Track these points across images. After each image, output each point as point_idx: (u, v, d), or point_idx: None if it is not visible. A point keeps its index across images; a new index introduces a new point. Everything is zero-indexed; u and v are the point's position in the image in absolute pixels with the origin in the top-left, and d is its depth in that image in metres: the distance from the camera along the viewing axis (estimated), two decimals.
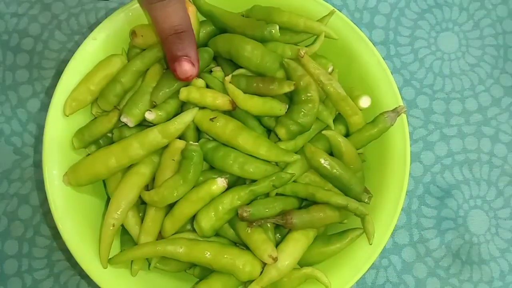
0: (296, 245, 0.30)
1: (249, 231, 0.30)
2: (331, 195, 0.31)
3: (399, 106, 0.32)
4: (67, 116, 0.32)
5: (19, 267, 0.37)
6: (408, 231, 0.39)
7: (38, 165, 0.39)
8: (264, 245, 0.30)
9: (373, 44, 0.34)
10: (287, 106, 0.32)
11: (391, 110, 0.32)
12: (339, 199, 0.30)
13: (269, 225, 0.31)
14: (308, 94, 0.31)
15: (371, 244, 0.31)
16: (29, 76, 0.41)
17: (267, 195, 0.32)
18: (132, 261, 0.31)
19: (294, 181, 0.32)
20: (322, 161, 0.31)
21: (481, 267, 0.38)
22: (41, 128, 0.40)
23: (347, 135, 0.33)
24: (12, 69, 0.41)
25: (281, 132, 0.31)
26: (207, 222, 0.30)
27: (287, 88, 0.31)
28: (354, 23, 0.34)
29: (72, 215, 0.31)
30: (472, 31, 0.43)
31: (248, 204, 0.30)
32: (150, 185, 0.32)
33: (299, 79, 0.31)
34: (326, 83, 0.31)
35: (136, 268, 0.31)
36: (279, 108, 0.31)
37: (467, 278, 0.38)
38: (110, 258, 0.30)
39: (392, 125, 0.32)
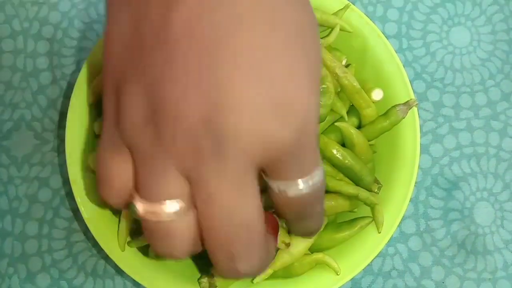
0: None
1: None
2: (343, 185, 0.32)
3: (411, 99, 0.33)
4: (90, 104, 0.33)
5: (39, 247, 0.39)
6: (415, 221, 0.40)
7: (58, 150, 0.41)
8: None
9: (386, 37, 0.35)
10: None
11: (402, 103, 0.33)
12: (350, 189, 0.32)
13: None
14: (323, 86, 0.32)
15: (379, 233, 0.32)
16: (49, 63, 0.42)
17: None
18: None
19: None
20: (335, 151, 0.32)
21: (485, 258, 0.39)
22: (61, 114, 0.41)
23: (359, 126, 0.34)
24: (32, 56, 0.42)
25: None
26: None
27: None
28: (368, 16, 0.35)
29: (93, 197, 0.32)
30: (484, 26, 0.43)
31: None
32: None
33: None
34: (342, 75, 0.32)
35: None
36: None
37: (471, 267, 0.39)
38: (128, 241, 0.32)
39: (404, 118, 0.33)
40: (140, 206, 0.19)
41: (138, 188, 0.19)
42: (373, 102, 0.34)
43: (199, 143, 0.17)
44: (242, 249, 0.18)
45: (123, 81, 0.18)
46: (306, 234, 0.23)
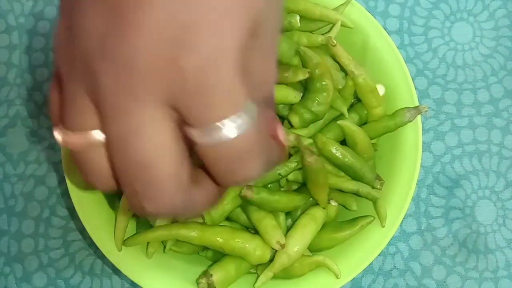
0: (304, 231, 0.31)
1: None
2: (343, 181, 0.31)
3: (422, 105, 0.32)
4: None
5: (36, 246, 0.38)
6: (416, 220, 0.39)
7: (54, 147, 0.40)
8: (273, 231, 0.30)
9: (387, 33, 0.34)
10: (302, 94, 0.32)
11: (413, 107, 0.32)
12: (351, 185, 0.31)
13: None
14: (323, 83, 0.31)
15: (383, 227, 0.31)
16: (44, 59, 0.42)
17: (278, 183, 0.32)
18: (147, 243, 0.32)
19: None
20: (334, 150, 0.31)
21: (487, 257, 0.39)
22: None
23: (359, 123, 0.34)
24: (28, 52, 0.42)
25: (295, 119, 0.32)
26: (215, 209, 0.31)
27: (302, 76, 0.31)
28: (369, 12, 0.34)
29: (89, 196, 0.32)
30: (487, 21, 0.43)
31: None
32: None
33: (315, 67, 0.32)
34: (357, 73, 0.32)
35: (152, 250, 0.32)
36: (293, 95, 0.32)
37: (473, 266, 0.39)
38: (125, 240, 0.31)
39: (410, 121, 0.32)
40: (60, 135, 0.18)
41: (61, 116, 0.18)
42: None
43: (96, 69, 0.17)
44: (143, 188, 0.17)
45: (60, 12, 0.18)
46: (233, 184, 0.20)
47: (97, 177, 0.19)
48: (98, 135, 0.18)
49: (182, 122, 0.17)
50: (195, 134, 0.17)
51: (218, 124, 0.17)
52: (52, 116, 0.19)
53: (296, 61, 0.33)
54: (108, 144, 0.18)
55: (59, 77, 0.18)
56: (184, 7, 0.16)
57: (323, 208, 0.32)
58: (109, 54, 0.16)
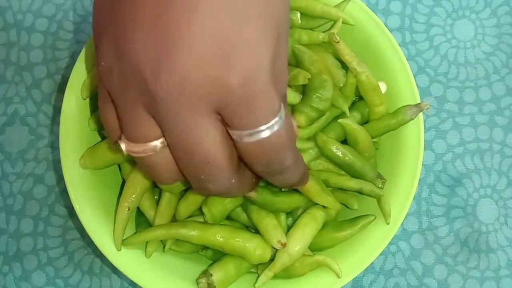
0: (305, 230, 0.31)
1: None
2: (345, 180, 0.31)
3: (423, 102, 0.32)
4: (84, 99, 0.32)
5: (35, 245, 0.38)
6: (418, 219, 0.39)
7: (53, 145, 0.40)
8: (274, 231, 0.30)
9: (389, 30, 0.34)
10: (301, 95, 0.32)
11: (414, 105, 0.32)
12: (353, 183, 0.31)
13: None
14: (321, 79, 0.31)
15: (388, 224, 0.31)
16: (43, 56, 0.41)
17: None
18: (146, 243, 0.32)
19: (308, 168, 0.32)
20: (334, 149, 0.31)
21: (488, 256, 0.39)
22: (55, 109, 0.40)
23: (361, 122, 0.33)
24: (26, 49, 0.41)
25: (301, 119, 0.31)
26: (216, 207, 0.30)
27: (302, 80, 0.31)
28: (370, 9, 0.34)
29: (88, 196, 0.31)
30: (489, 19, 0.42)
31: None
32: None
33: (311, 65, 0.31)
34: (360, 71, 0.31)
35: (151, 250, 0.31)
36: (293, 96, 0.32)
37: (474, 266, 0.38)
38: (124, 239, 0.31)
39: (412, 119, 0.32)
40: (123, 146, 0.22)
41: (122, 129, 0.22)
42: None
43: (152, 89, 0.19)
44: (207, 177, 0.22)
45: (101, 34, 0.20)
46: (287, 186, 0.26)
47: (166, 175, 0.22)
48: (160, 142, 0.21)
49: (227, 124, 0.20)
50: (238, 135, 0.20)
51: (258, 129, 0.20)
52: (110, 130, 0.23)
53: (294, 60, 0.32)
54: (173, 148, 0.21)
55: (110, 95, 0.21)
56: (227, 30, 0.18)
57: (324, 207, 0.31)
58: (163, 77, 0.19)
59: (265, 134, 0.20)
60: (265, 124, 0.20)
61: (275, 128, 0.20)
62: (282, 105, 0.20)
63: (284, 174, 0.23)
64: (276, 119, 0.20)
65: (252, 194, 0.30)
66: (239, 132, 0.20)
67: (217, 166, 0.21)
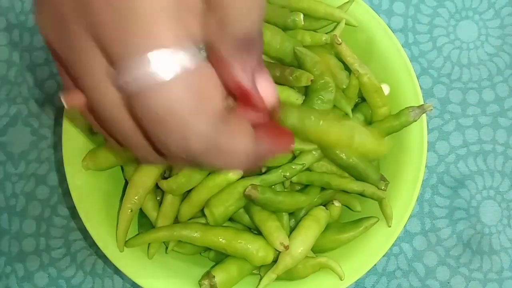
0: (307, 232, 0.31)
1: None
2: (347, 182, 0.31)
3: (426, 104, 0.32)
4: None
5: (37, 245, 0.38)
6: (420, 220, 0.39)
7: (55, 146, 0.40)
8: (277, 233, 0.30)
9: (392, 31, 0.34)
10: (304, 97, 0.32)
11: (417, 106, 0.32)
12: (355, 186, 0.31)
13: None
14: (323, 81, 0.31)
15: (390, 227, 0.31)
16: (46, 57, 0.41)
17: (282, 184, 0.32)
18: (149, 244, 0.32)
19: (310, 170, 0.32)
20: (337, 151, 0.31)
21: (491, 257, 0.39)
22: (58, 110, 0.40)
23: (364, 124, 0.33)
24: (29, 50, 0.41)
25: None
26: (218, 209, 0.30)
27: (305, 81, 0.31)
28: (373, 10, 0.34)
29: (90, 197, 0.31)
30: (493, 20, 0.42)
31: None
32: (166, 171, 0.32)
33: (313, 66, 0.31)
34: (362, 72, 0.31)
35: (153, 251, 0.31)
36: (296, 97, 0.31)
37: (477, 267, 0.38)
38: (126, 241, 0.31)
39: (415, 120, 0.32)
40: (68, 99, 0.18)
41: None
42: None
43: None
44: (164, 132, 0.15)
45: None
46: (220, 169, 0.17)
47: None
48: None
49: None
50: (120, 78, 0.14)
51: (144, 56, 0.13)
52: (64, 81, 0.18)
53: (296, 62, 0.32)
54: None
55: (53, 46, 0.17)
56: None
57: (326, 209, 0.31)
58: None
59: (156, 69, 0.13)
60: (145, 52, 0.13)
61: (159, 70, 0.13)
62: (192, 49, 0.14)
63: (201, 163, 0.16)
64: (178, 55, 0.13)
65: (253, 193, 0.29)
66: (119, 70, 0.14)
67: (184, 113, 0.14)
